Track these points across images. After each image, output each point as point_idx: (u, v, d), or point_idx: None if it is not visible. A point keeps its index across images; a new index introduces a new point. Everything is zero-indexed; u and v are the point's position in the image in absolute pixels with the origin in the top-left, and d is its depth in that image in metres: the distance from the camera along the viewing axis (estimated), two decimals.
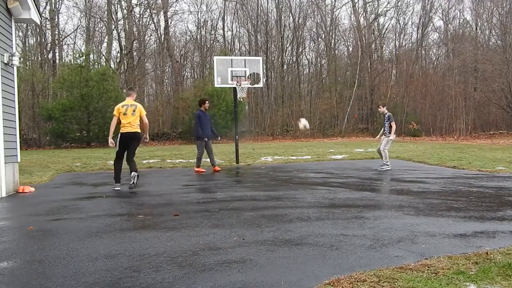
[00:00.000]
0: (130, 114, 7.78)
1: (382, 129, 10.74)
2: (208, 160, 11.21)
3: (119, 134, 7.86)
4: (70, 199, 6.74)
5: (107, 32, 32.49)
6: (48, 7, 30.38)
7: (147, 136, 8.53)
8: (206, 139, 10.84)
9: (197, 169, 10.90)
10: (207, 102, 11.16)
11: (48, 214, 5.49)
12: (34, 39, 31.27)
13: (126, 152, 7.95)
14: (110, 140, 8.29)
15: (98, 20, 32.96)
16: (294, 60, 35.79)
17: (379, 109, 11.38)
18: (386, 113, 10.67)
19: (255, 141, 27.70)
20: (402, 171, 9.97)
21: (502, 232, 4.04)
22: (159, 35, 34.10)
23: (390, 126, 10.44)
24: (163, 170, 11.68)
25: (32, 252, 3.74)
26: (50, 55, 31.49)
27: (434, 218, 4.70)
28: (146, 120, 8.09)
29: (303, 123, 10.61)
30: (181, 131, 30.56)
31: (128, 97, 8.18)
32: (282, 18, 34.88)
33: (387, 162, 10.43)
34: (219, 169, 11.08)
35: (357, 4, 36.31)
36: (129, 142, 7.84)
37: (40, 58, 30.43)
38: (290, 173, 10.18)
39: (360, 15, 36.25)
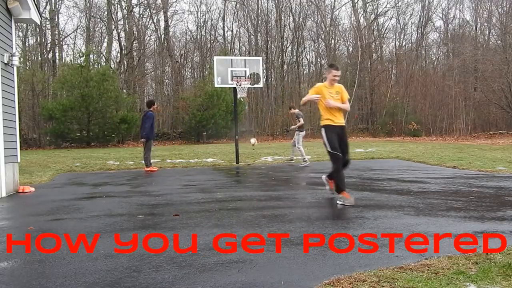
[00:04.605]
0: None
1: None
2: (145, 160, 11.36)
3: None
4: (70, 199, 6.74)
5: (107, 32, 32.50)
6: (48, 7, 30.40)
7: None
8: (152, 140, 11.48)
9: (148, 169, 11.11)
10: (156, 103, 11.90)
11: (48, 214, 5.49)
12: (34, 39, 31.29)
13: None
14: None
15: (98, 20, 32.98)
16: (294, 60, 35.80)
17: (289, 111, 13.11)
18: (295, 112, 12.29)
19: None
20: (402, 171, 9.96)
21: (502, 232, 4.03)
22: (159, 35, 34.12)
23: (298, 122, 11.99)
24: (163, 170, 11.67)
25: (32, 252, 3.74)
26: (50, 55, 31.51)
27: (434, 218, 4.70)
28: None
29: (252, 141, 13.52)
30: (181, 131, 30.57)
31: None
32: (282, 18, 34.89)
33: (304, 158, 11.84)
34: (156, 169, 11.27)
35: (357, 4, 36.33)
36: None
37: (40, 58, 30.43)
38: (290, 173, 10.18)
39: (360, 15, 36.26)
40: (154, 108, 11.50)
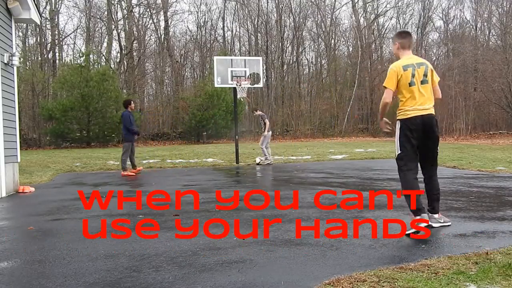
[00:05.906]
0: (419, 82, 4.18)
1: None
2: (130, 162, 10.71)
3: (401, 121, 4.37)
4: (70, 199, 6.74)
5: (107, 32, 32.51)
6: (48, 7, 30.42)
7: None
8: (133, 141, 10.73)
9: (126, 173, 10.35)
10: (132, 102, 11.15)
11: (48, 214, 5.49)
12: (34, 39, 31.30)
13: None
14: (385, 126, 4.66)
15: (98, 20, 32.98)
16: (294, 60, 35.79)
17: (254, 113, 13.43)
18: (259, 114, 12.78)
19: (255, 141, 27.71)
20: None
21: (502, 232, 4.03)
22: (159, 35, 34.13)
23: (265, 124, 12.33)
24: (163, 170, 11.67)
25: (32, 252, 3.74)
26: (50, 55, 31.52)
27: None
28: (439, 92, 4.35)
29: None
30: (181, 131, 30.56)
31: (409, 50, 4.30)
32: (282, 18, 34.90)
33: (264, 158, 12.34)
34: (141, 168, 11.11)
35: (357, 4, 36.33)
36: (424, 136, 4.23)
37: (40, 58, 30.45)
38: (290, 173, 10.18)
39: (360, 15, 36.27)
40: (131, 108, 10.86)
